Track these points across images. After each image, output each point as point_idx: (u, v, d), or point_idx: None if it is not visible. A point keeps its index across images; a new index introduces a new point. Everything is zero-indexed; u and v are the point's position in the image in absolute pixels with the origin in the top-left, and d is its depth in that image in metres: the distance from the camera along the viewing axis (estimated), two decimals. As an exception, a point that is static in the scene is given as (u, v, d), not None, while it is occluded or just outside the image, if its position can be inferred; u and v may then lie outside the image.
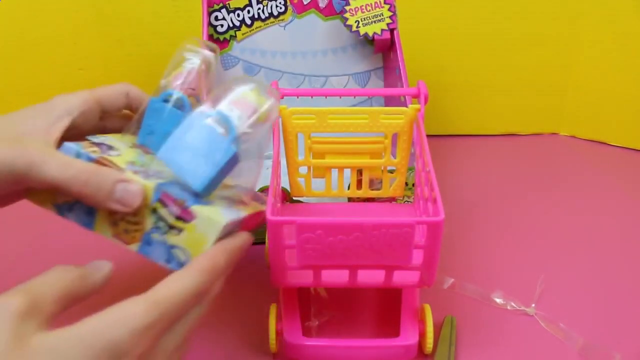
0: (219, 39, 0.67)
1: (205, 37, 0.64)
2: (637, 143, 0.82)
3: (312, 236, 0.38)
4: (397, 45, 0.66)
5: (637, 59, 0.78)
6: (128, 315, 0.30)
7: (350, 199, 0.58)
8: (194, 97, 0.43)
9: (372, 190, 0.55)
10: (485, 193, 0.71)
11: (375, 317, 0.51)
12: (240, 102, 0.39)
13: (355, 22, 0.66)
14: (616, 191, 0.72)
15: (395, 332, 0.45)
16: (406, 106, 0.58)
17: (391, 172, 0.55)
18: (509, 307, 0.51)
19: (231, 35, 0.67)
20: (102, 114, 0.43)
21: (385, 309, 0.51)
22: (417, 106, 0.52)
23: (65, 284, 0.32)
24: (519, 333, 0.48)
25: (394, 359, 0.45)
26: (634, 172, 0.76)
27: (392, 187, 0.55)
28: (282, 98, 0.50)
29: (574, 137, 0.87)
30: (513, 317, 0.50)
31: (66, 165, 0.36)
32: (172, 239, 0.36)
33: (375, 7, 0.66)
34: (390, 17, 0.66)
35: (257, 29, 0.68)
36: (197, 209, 0.36)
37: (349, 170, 0.54)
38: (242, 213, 0.40)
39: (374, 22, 0.66)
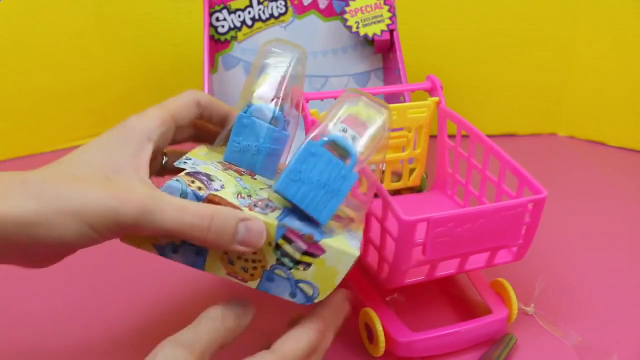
0: (219, 40, 0.67)
1: (206, 37, 0.64)
2: (635, 143, 0.83)
3: (444, 229, 0.39)
4: (396, 46, 0.67)
5: (635, 60, 0.79)
6: None
7: None
8: (282, 105, 0.40)
9: (393, 182, 0.58)
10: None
11: (431, 305, 0.52)
12: (352, 120, 0.37)
13: (355, 23, 0.66)
14: (614, 191, 0.72)
15: (480, 310, 0.48)
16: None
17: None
18: (508, 307, 0.51)
19: (232, 36, 0.67)
20: (176, 129, 0.40)
21: (429, 296, 0.52)
22: (436, 99, 0.55)
23: (220, 334, 0.33)
24: (518, 332, 0.48)
25: (490, 335, 0.47)
26: (632, 172, 0.76)
27: (411, 177, 0.58)
28: (307, 102, 0.50)
29: (572, 137, 0.87)
30: (512, 316, 0.50)
31: (182, 212, 0.32)
32: (299, 274, 0.35)
33: (375, 8, 0.66)
34: (390, 18, 0.66)
35: (258, 30, 0.68)
36: (326, 242, 0.35)
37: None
38: (359, 234, 0.39)
39: (374, 23, 0.66)
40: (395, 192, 0.60)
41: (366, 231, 0.44)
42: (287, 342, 0.35)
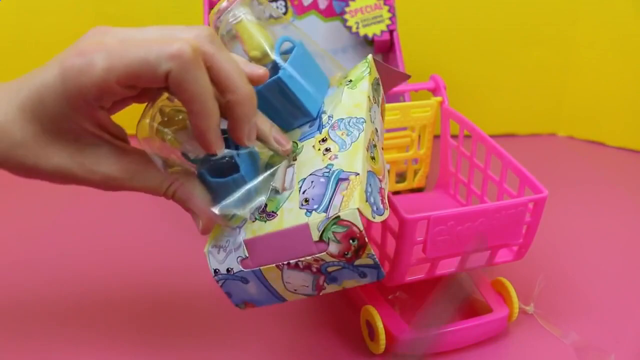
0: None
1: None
2: (635, 144, 0.83)
3: (444, 228, 0.40)
4: (396, 46, 0.67)
5: (635, 60, 0.79)
6: None
7: None
8: None
9: (397, 184, 0.59)
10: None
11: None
12: None
13: (355, 23, 0.66)
14: (614, 191, 0.72)
15: (481, 308, 0.48)
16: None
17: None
18: (507, 306, 0.51)
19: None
20: None
21: (431, 294, 0.52)
22: (439, 98, 0.55)
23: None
24: (517, 331, 0.48)
25: (490, 334, 0.47)
26: (632, 173, 0.77)
27: (416, 178, 0.59)
28: None
29: (571, 137, 0.87)
30: (512, 316, 0.51)
31: None
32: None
33: (374, 9, 0.66)
34: (390, 18, 0.66)
35: (258, 30, 0.68)
36: None
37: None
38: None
39: (374, 23, 0.66)
40: (395, 193, 0.59)
41: (367, 229, 0.44)
42: None
